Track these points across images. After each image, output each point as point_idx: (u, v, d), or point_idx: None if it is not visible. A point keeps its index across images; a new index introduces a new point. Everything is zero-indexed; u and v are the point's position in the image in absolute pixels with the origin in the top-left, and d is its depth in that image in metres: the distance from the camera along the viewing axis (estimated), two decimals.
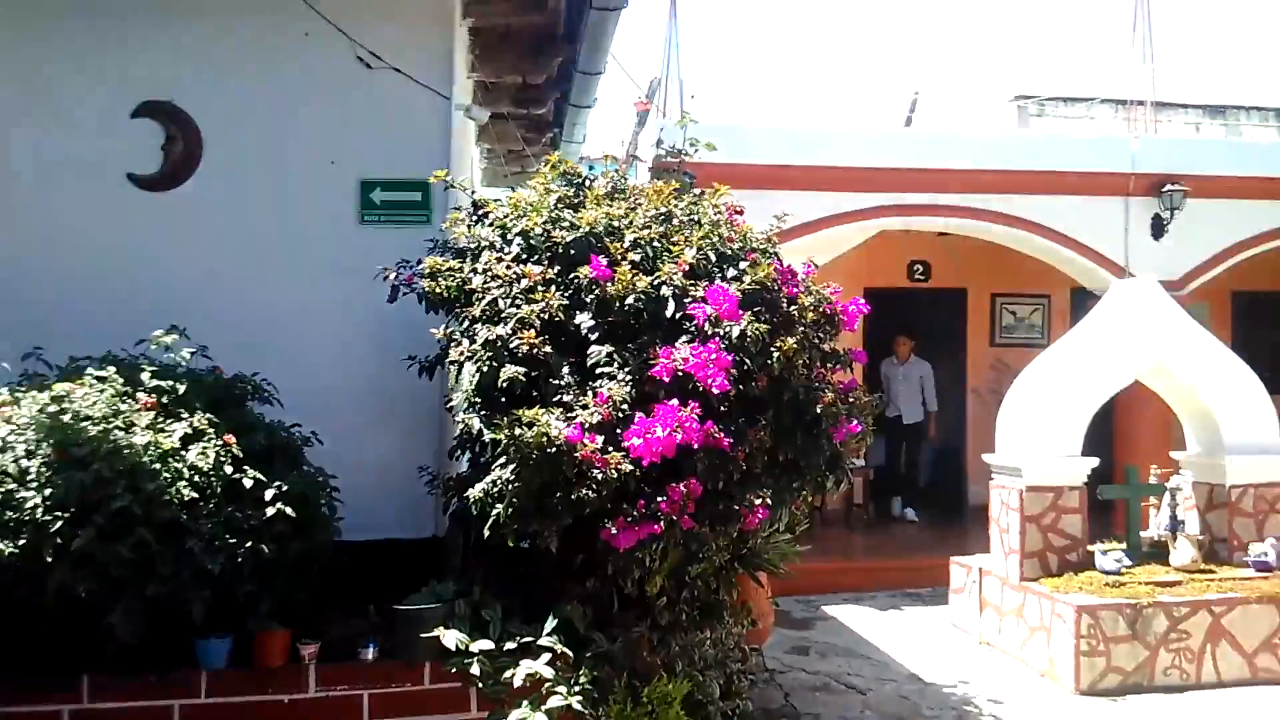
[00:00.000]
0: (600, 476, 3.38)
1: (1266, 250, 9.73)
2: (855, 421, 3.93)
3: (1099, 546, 6.21)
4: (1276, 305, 12.35)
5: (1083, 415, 6.31)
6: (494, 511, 3.51)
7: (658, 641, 3.84)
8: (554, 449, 3.39)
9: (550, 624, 3.54)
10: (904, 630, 7.09)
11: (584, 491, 3.39)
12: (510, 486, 3.46)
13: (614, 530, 3.42)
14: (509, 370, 3.58)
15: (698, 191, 4.70)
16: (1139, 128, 11.27)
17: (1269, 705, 5.34)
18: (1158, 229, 9.10)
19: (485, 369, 3.64)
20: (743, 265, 3.97)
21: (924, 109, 15.05)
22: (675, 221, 4.23)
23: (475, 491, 3.57)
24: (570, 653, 3.49)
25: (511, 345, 3.64)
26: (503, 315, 3.75)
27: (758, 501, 3.76)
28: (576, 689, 3.40)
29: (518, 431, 3.41)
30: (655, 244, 4.01)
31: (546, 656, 3.46)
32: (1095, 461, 6.27)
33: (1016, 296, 11.49)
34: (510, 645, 3.49)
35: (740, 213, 4.51)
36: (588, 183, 4.51)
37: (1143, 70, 11.71)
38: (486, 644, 3.46)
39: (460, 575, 3.92)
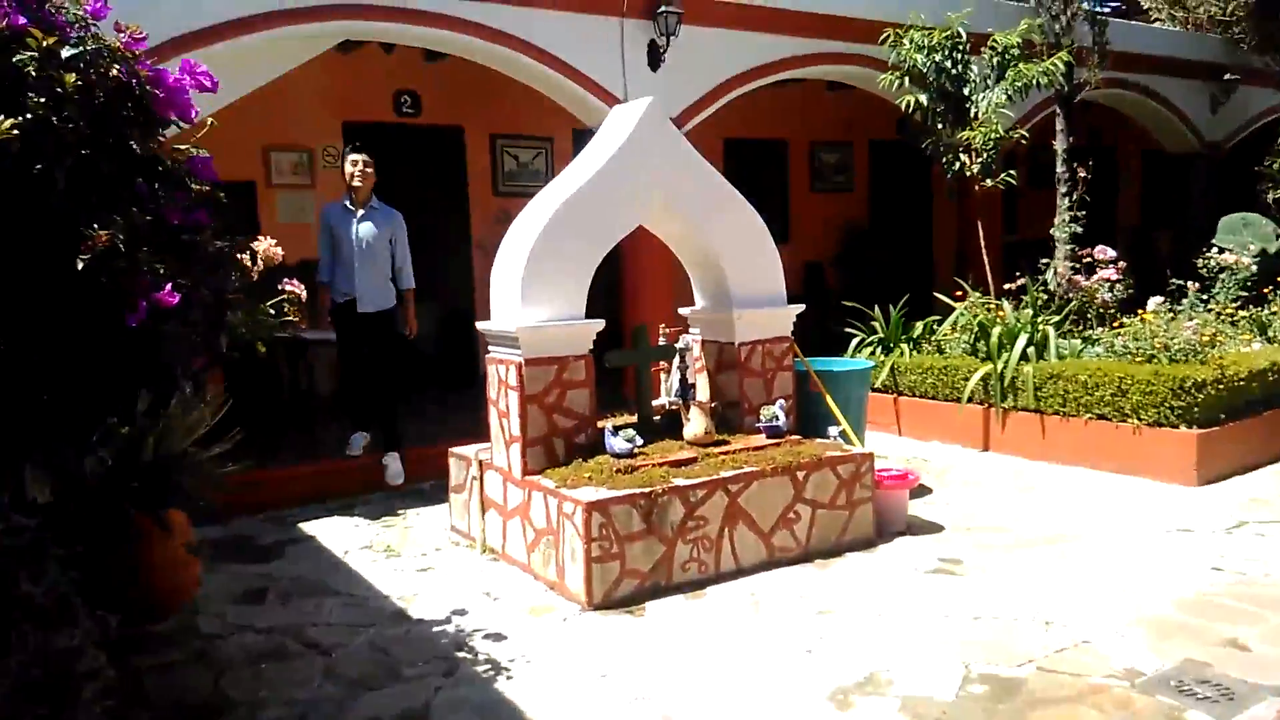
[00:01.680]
0: None
1: (760, 87, 9.41)
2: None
3: (609, 424, 5.25)
4: (769, 153, 12.54)
5: (584, 269, 5.22)
6: None
7: None
8: None
9: None
10: (396, 544, 5.75)
11: None
12: None
13: None
14: None
15: None
16: None
17: (786, 589, 4.76)
18: (654, 58, 8.28)
19: None
20: None
21: None
22: None
23: None
24: None
25: None
26: None
27: None
28: None
29: None
30: None
31: None
32: (600, 324, 5.24)
33: (517, 138, 10.31)
34: None
35: None
36: None
37: None
38: None
39: None
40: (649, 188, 5.40)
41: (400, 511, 6.46)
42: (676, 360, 6.04)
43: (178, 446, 4.02)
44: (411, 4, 7.10)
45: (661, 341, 5.99)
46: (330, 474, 6.70)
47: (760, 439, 5.48)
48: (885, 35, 8.99)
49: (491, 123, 10.12)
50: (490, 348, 5.34)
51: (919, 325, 8.65)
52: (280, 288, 4.06)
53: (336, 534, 5.97)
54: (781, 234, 12.56)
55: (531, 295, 5.07)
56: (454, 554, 5.56)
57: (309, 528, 6.10)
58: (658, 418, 5.70)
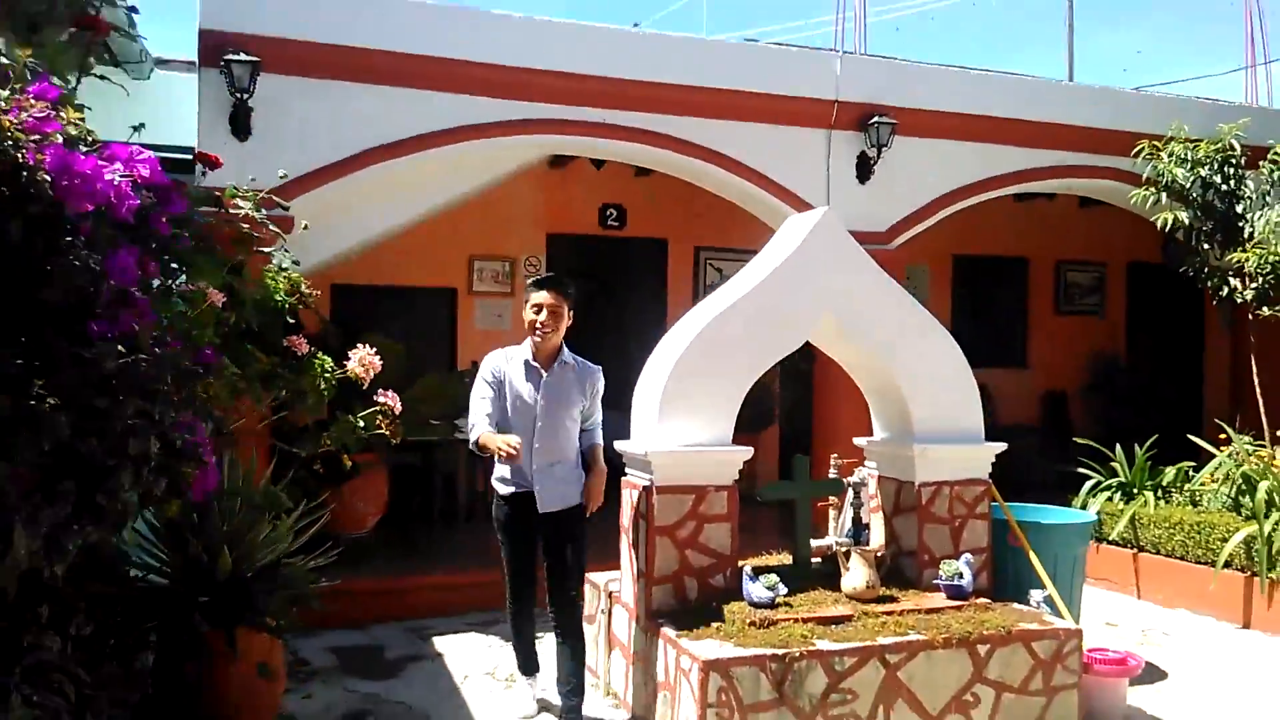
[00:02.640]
0: None
1: (999, 199, 8.62)
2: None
3: (748, 566, 4.57)
4: (1006, 271, 11.55)
5: (732, 391, 4.65)
6: None
7: None
8: None
9: None
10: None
11: None
12: None
13: None
14: None
15: None
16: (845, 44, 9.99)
17: None
18: (863, 170, 7.72)
19: None
20: None
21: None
22: None
23: None
24: None
25: None
26: None
27: None
28: None
29: None
30: None
31: None
32: (748, 452, 4.62)
33: (722, 251, 9.98)
34: None
35: None
36: None
37: None
38: None
39: None
40: (817, 306, 4.79)
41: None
42: (850, 497, 5.30)
43: (254, 563, 3.79)
44: (613, 119, 6.95)
45: (832, 474, 5.28)
46: (478, 586, 6.35)
47: (938, 599, 4.61)
48: (1139, 148, 8.00)
49: (697, 235, 9.87)
50: (626, 469, 4.85)
51: (1169, 471, 7.33)
52: (376, 399, 3.81)
53: (465, 654, 5.58)
54: (1018, 358, 11.48)
55: (670, 416, 4.55)
56: None
57: (441, 643, 5.74)
58: (818, 561, 4.95)
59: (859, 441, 5.35)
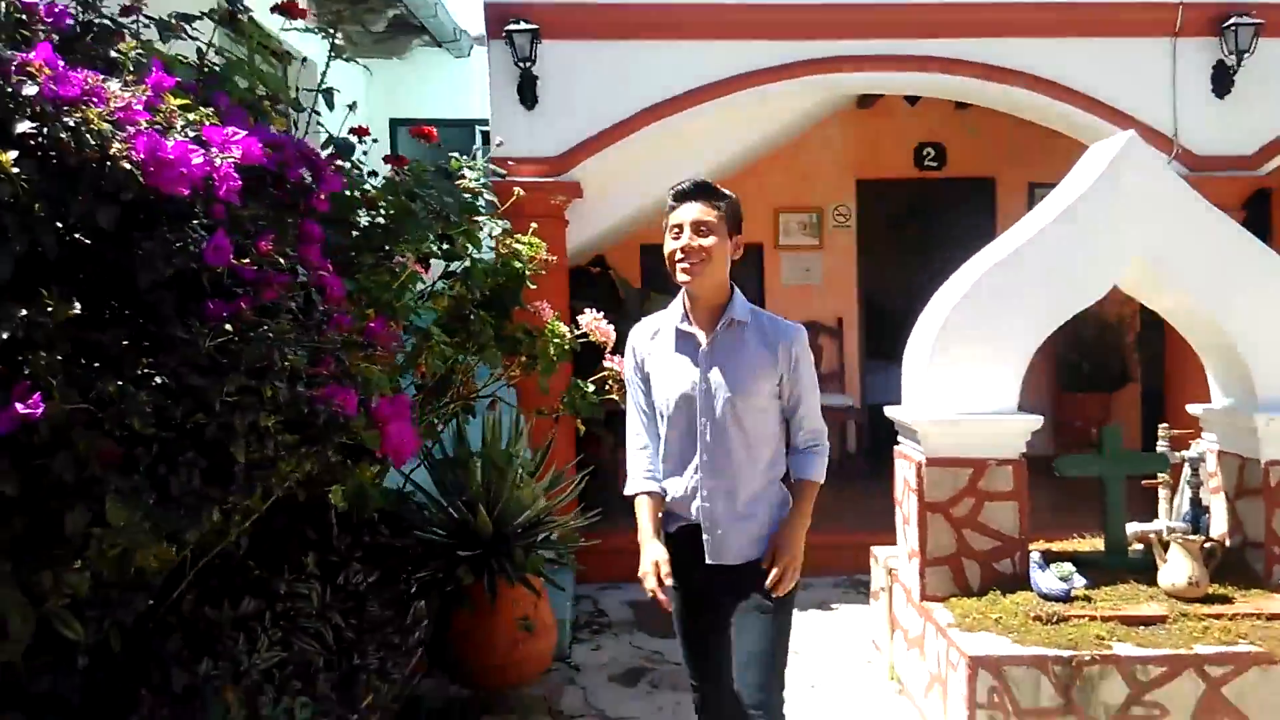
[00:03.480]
0: None
1: None
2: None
3: (1037, 554, 3.99)
4: None
5: (1017, 350, 4.07)
6: None
7: None
8: None
9: None
10: (806, 646, 5.06)
11: None
12: None
13: None
14: None
15: None
16: None
17: None
18: (1221, 82, 6.48)
19: None
20: None
21: None
22: None
23: None
24: None
25: None
26: None
27: None
28: None
29: None
30: None
31: None
32: (1037, 421, 4.03)
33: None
34: None
35: None
36: None
37: None
38: None
39: None
40: (1119, 250, 4.07)
41: (834, 606, 5.72)
42: (1187, 474, 4.52)
43: (511, 521, 3.87)
44: (888, 49, 6.37)
45: (1161, 446, 4.51)
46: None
47: None
48: None
49: (1030, 171, 8.87)
50: (899, 439, 4.42)
51: None
52: (604, 364, 3.72)
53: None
54: None
55: (941, 379, 4.08)
56: (861, 674, 4.70)
57: None
58: (1140, 549, 4.25)
59: (1194, 409, 4.51)
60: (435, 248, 3.02)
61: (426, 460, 4.05)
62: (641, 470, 2.83)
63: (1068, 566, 3.84)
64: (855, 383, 8.77)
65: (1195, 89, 6.52)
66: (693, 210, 2.73)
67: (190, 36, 2.56)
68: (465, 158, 3.49)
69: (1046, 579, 3.81)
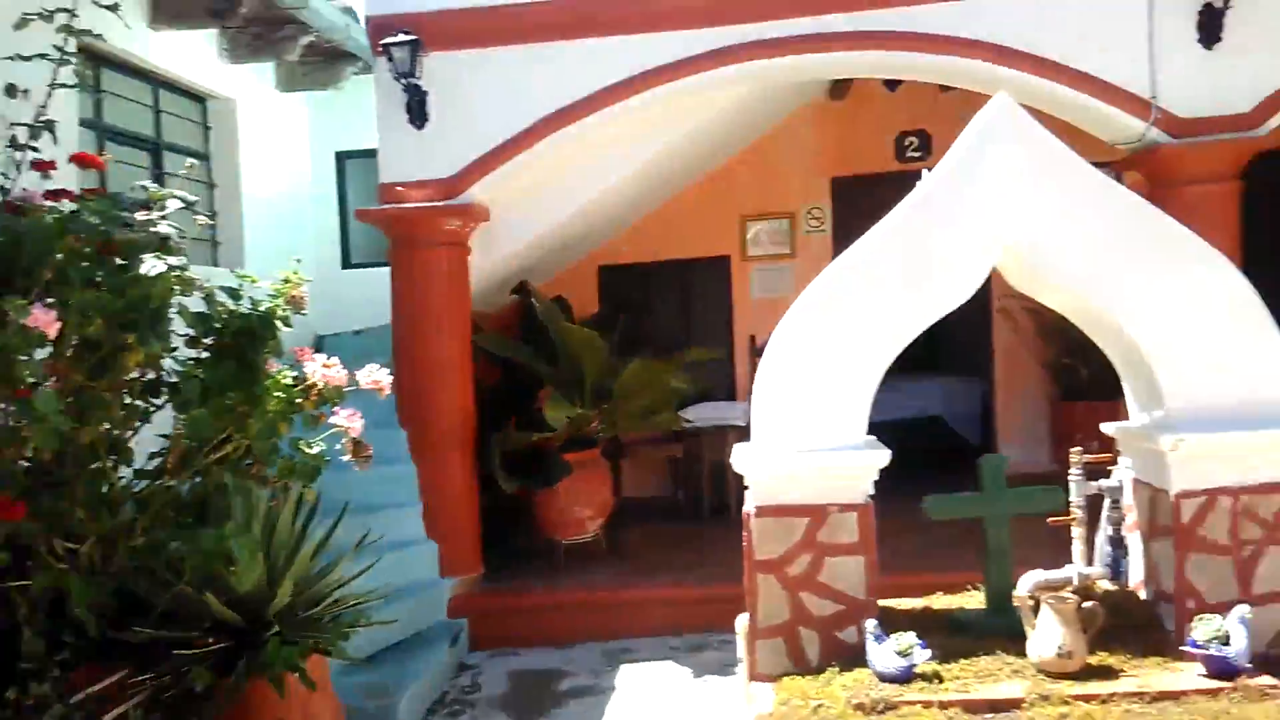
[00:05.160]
0: None
1: None
2: None
3: (872, 623, 3.25)
4: None
5: (867, 367, 3.37)
6: None
7: None
8: None
9: None
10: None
11: None
12: None
13: None
14: None
15: None
16: None
17: None
18: (1209, 28, 5.54)
19: None
20: None
21: None
22: None
23: None
24: None
25: None
26: None
27: None
28: None
29: None
30: None
31: None
32: (884, 456, 3.32)
33: None
34: None
35: None
36: None
37: None
38: None
39: None
40: (990, 237, 3.34)
41: (705, 676, 4.96)
42: (1107, 508, 3.75)
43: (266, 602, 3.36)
44: (833, 25, 5.63)
45: (1074, 474, 3.74)
46: (700, 602, 5.49)
47: (1189, 675, 2.98)
48: None
49: None
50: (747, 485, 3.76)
51: None
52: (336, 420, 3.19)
53: (644, 687, 4.80)
54: None
55: (776, 410, 3.42)
56: None
57: (628, 672, 5.01)
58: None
59: (1108, 428, 3.71)
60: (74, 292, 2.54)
61: None
62: None
63: (909, 638, 3.11)
64: None
65: (1178, 38, 5.57)
66: None
67: None
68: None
69: (883, 655, 3.10)
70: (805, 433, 3.38)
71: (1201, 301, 3.24)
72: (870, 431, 3.43)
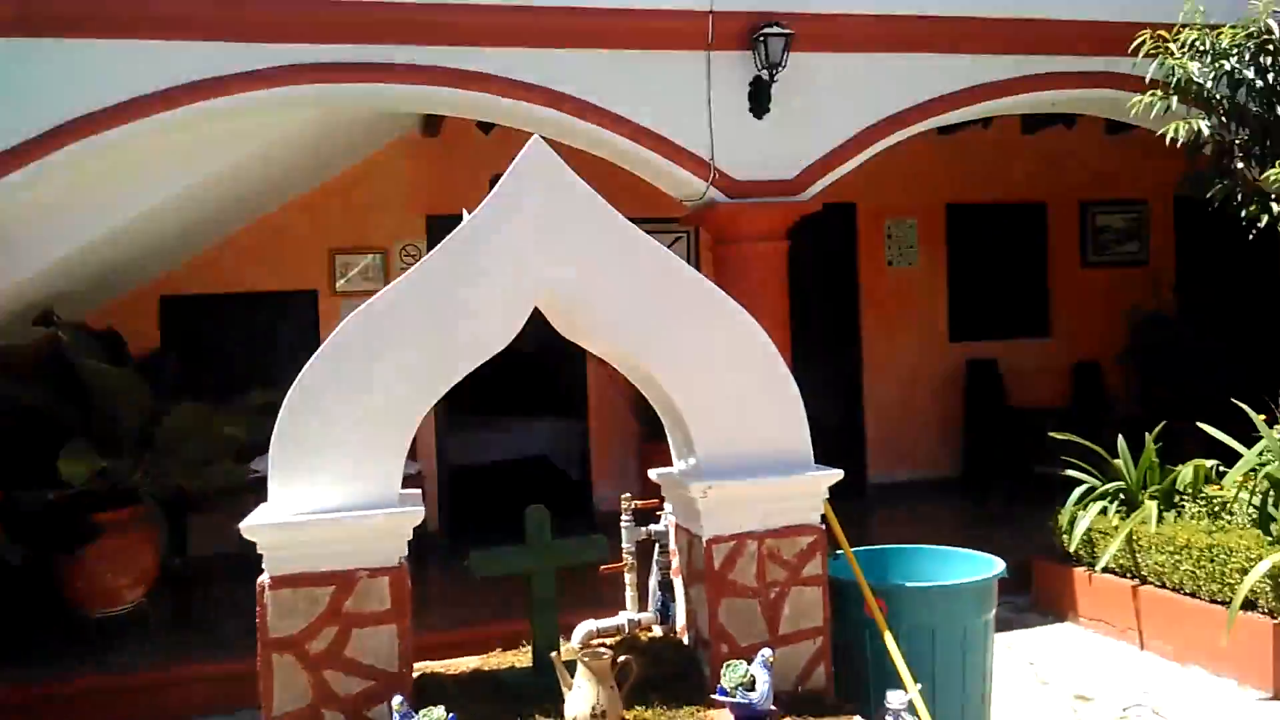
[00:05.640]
0: None
1: (981, 134, 6.81)
2: None
3: (396, 704, 2.98)
4: (1018, 219, 9.63)
5: (395, 422, 3.12)
6: None
7: None
8: None
9: None
10: None
11: None
12: None
13: None
14: None
15: None
16: None
17: None
18: (759, 99, 6.01)
19: None
20: None
21: None
22: None
23: None
24: None
25: None
26: None
27: None
28: None
29: None
30: None
31: None
32: (417, 515, 3.08)
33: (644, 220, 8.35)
34: None
35: None
36: None
37: None
38: None
39: None
40: (528, 283, 3.23)
41: None
42: (657, 553, 3.76)
43: None
44: (376, 54, 5.41)
45: (625, 520, 3.72)
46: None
47: None
48: (1139, 40, 6.10)
49: (622, 207, 8.25)
50: None
51: (1185, 469, 5.46)
52: None
53: None
54: (1038, 325, 9.58)
55: (289, 468, 3.05)
56: None
57: None
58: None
59: (654, 474, 3.74)
60: None
61: None
62: None
63: (437, 712, 2.86)
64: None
65: (733, 108, 6.01)
66: None
67: None
68: None
69: None
70: (327, 492, 3.05)
71: (726, 356, 3.35)
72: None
